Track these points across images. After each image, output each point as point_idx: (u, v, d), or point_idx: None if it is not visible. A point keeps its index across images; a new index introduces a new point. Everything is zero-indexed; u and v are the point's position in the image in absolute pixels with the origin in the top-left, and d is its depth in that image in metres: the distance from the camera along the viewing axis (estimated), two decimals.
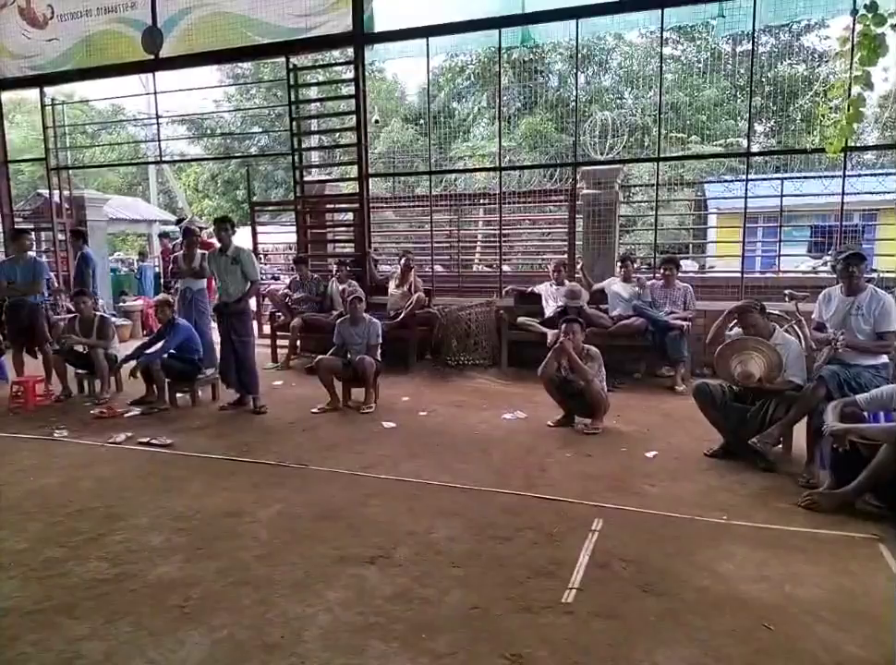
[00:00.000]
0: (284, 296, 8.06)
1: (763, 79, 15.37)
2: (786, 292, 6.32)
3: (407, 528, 3.30)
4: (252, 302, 6.51)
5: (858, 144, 9.62)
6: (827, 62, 16.33)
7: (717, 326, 4.47)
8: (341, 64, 10.69)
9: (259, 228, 9.80)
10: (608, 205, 7.40)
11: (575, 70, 10.06)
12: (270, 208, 14.36)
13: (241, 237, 7.57)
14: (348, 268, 7.89)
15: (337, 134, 13.62)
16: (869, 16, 5.26)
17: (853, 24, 5.64)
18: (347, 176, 12.69)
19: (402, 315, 7.14)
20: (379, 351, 5.86)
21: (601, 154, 7.88)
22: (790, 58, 18.65)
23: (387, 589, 2.72)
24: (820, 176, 7.94)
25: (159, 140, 10.06)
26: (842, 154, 6.23)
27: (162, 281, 11.33)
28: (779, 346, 4.12)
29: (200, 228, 8.24)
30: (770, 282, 7.12)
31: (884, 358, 4.14)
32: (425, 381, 6.84)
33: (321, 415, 5.56)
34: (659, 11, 6.77)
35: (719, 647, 2.32)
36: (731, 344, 4.22)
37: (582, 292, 6.70)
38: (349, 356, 5.82)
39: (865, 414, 3.68)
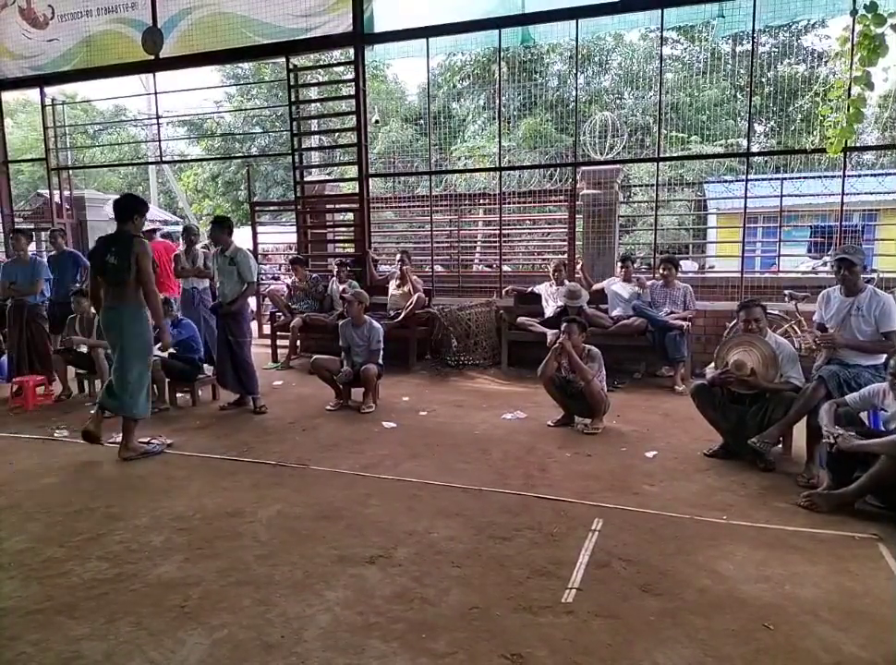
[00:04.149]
0: (287, 296, 8.04)
1: (763, 80, 15.36)
2: (786, 292, 6.32)
3: (407, 528, 3.29)
4: (252, 302, 6.49)
5: (858, 144, 9.62)
6: (827, 62, 16.30)
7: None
8: (341, 64, 10.72)
9: (259, 228, 9.82)
10: (608, 205, 7.40)
11: (574, 70, 10.07)
12: (270, 208, 14.38)
13: (241, 237, 7.56)
14: (349, 268, 7.90)
15: (337, 134, 13.63)
16: (869, 16, 5.28)
17: (853, 24, 5.65)
18: (347, 176, 12.71)
19: (402, 315, 7.15)
20: (380, 355, 5.86)
21: (601, 154, 7.87)
22: (790, 58, 18.64)
23: (387, 589, 2.72)
24: (820, 176, 7.95)
25: (159, 141, 10.08)
26: (842, 154, 6.24)
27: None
28: None
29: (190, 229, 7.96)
30: (770, 282, 7.11)
31: (884, 358, 4.13)
32: (425, 381, 6.84)
33: (321, 415, 5.56)
34: (659, 11, 6.77)
35: (719, 647, 2.32)
36: (728, 340, 4.44)
37: (582, 292, 6.70)
38: (353, 359, 5.83)
39: (864, 414, 3.68)
